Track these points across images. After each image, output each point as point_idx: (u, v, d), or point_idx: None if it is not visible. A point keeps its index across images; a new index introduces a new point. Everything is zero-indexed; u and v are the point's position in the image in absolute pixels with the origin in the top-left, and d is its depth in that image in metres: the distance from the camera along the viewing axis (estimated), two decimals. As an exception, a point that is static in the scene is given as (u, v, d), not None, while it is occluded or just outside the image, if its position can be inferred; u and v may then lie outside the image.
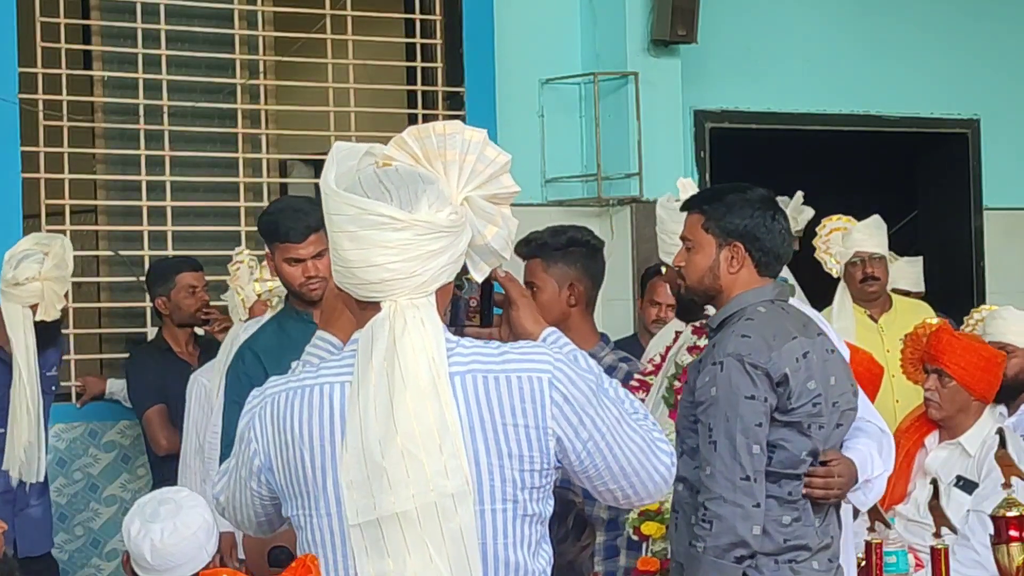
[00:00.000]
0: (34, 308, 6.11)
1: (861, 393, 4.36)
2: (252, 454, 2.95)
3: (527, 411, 2.84)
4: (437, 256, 2.84)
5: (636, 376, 4.61)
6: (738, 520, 3.92)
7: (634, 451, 2.93)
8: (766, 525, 3.96)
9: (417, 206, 2.83)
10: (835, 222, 7.37)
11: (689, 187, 4.93)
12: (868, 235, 7.22)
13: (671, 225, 4.73)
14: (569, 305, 4.96)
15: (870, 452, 4.19)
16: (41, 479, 6.18)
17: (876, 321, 7.16)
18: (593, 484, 2.95)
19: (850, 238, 7.20)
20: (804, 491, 4.02)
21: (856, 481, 4.12)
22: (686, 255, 4.16)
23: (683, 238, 4.21)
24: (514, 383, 2.84)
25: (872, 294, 7.22)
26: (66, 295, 6.27)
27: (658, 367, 4.59)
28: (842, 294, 7.24)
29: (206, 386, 6.43)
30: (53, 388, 6.44)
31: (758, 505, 3.93)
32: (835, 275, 7.33)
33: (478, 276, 3.00)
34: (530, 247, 4.98)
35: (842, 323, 7.04)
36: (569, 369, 2.89)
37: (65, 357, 7.32)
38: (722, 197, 4.18)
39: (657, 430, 2.99)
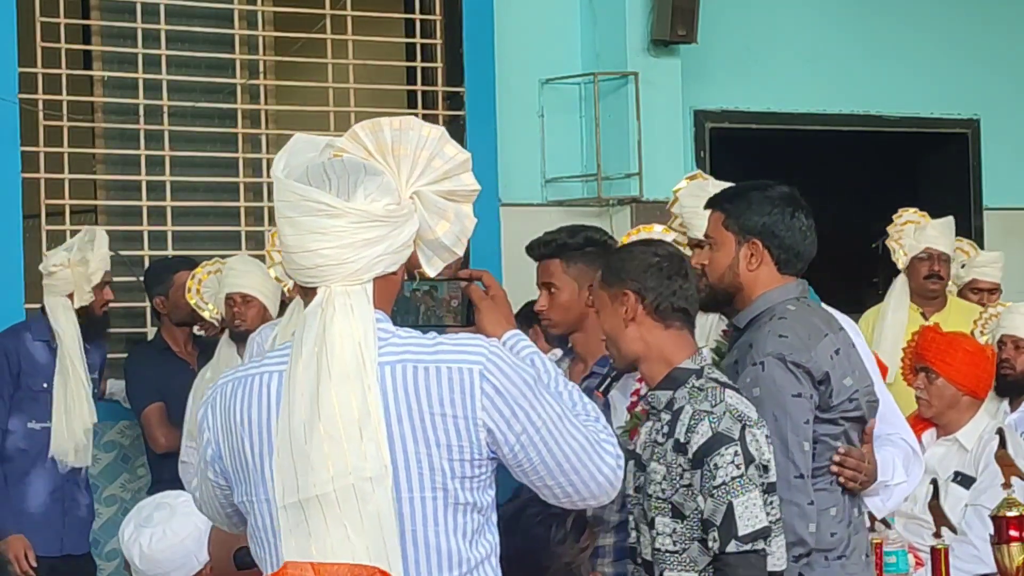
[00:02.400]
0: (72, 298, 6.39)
1: (899, 413, 4.37)
2: (206, 444, 3.04)
3: (455, 401, 2.87)
4: (372, 245, 2.90)
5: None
6: (795, 519, 3.89)
7: (574, 448, 2.95)
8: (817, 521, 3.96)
9: (354, 195, 2.89)
10: (910, 214, 7.34)
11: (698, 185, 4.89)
12: (941, 233, 7.18)
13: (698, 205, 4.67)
14: (588, 306, 4.95)
15: (893, 459, 4.18)
16: (89, 463, 6.43)
17: (927, 319, 7.08)
18: (530, 479, 2.98)
19: (923, 233, 7.15)
20: (834, 469, 4.00)
21: (875, 479, 4.12)
22: (708, 253, 4.14)
23: (705, 236, 4.21)
24: (443, 373, 2.88)
25: (933, 291, 7.20)
26: (101, 287, 6.43)
27: None
28: (901, 288, 7.23)
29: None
30: (94, 391, 6.54)
31: (812, 503, 3.93)
32: (900, 266, 7.32)
33: (430, 271, 3.04)
34: (549, 247, 4.95)
35: (898, 316, 7.05)
36: (503, 362, 2.91)
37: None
38: (743, 195, 4.18)
39: (607, 432, 3.02)
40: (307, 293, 2.95)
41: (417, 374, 2.88)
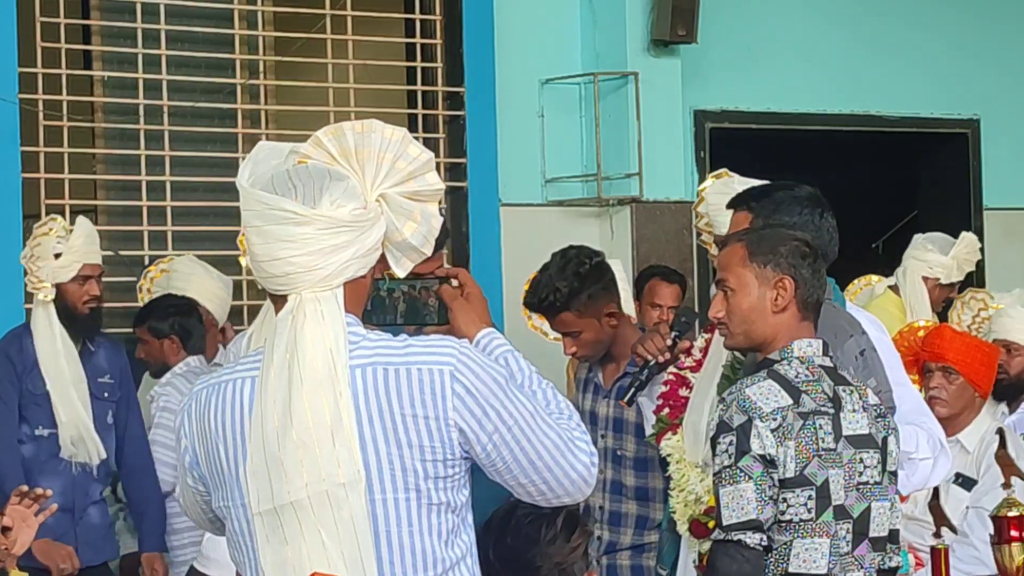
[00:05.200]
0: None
1: (928, 411, 4.35)
2: (183, 451, 3.06)
3: (427, 402, 2.89)
4: (340, 250, 2.91)
5: (672, 371, 4.55)
6: None
7: (547, 446, 2.97)
8: None
9: (320, 202, 2.90)
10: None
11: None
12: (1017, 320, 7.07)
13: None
14: (612, 327, 5.01)
15: (916, 434, 4.14)
16: (98, 460, 6.04)
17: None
18: (503, 478, 2.99)
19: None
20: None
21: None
22: None
23: (729, 237, 4.17)
24: (414, 375, 2.89)
25: (937, 308, 7.31)
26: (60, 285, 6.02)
27: (700, 363, 4.53)
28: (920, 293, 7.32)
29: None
30: (106, 395, 6.18)
31: None
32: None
33: (400, 272, 3.05)
34: (555, 307, 4.99)
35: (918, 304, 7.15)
36: (474, 362, 2.93)
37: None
38: (770, 194, 4.15)
39: (580, 430, 3.03)
40: (277, 300, 2.96)
41: (388, 376, 2.89)
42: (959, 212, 9.47)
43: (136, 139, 7.58)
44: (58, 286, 5.95)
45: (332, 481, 2.84)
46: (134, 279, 7.42)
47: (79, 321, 6.04)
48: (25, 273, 6.09)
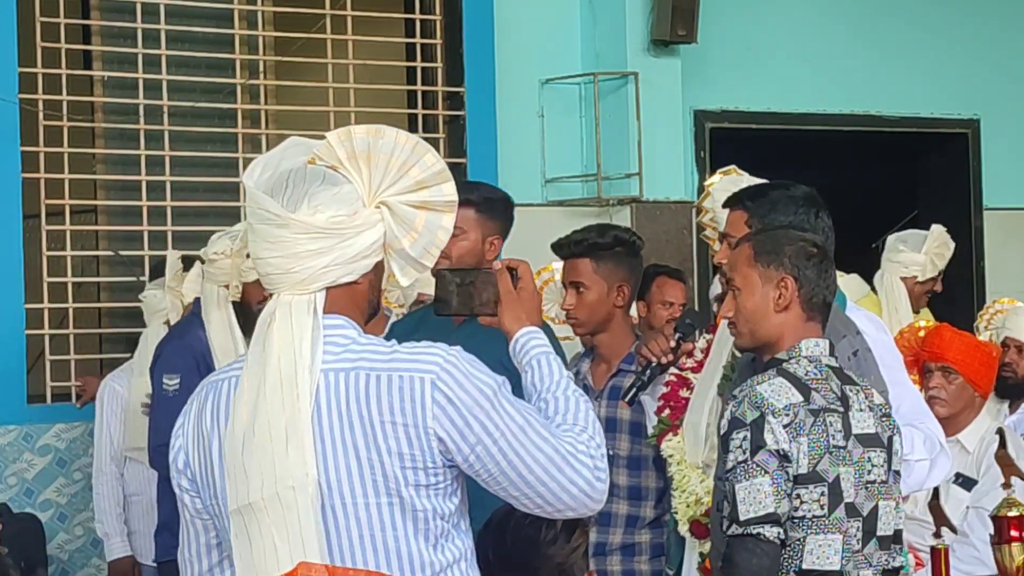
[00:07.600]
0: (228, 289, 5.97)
1: (927, 412, 4.35)
2: (176, 452, 3.05)
3: (406, 410, 2.87)
4: (317, 256, 2.90)
5: (674, 372, 4.54)
6: None
7: (539, 460, 2.91)
8: None
9: (299, 206, 2.90)
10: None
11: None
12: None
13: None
14: (616, 306, 4.95)
15: (912, 436, 4.14)
16: None
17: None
18: (494, 489, 2.96)
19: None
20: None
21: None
22: (729, 252, 4.07)
23: (725, 235, 4.17)
24: (395, 382, 2.87)
25: (922, 302, 7.24)
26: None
27: (700, 363, 4.53)
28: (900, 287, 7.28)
29: (119, 391, 6.51)
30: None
31: None
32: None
33: (404, 280, 3.02)
34: (580, 247, 4.95)
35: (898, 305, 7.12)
36: (459, 372, 2.89)
37: (65, 357, 7.34)
38: (766, 194, 4.16)
39: (588, 444, 2.96)
40: None
41: (369, 382, 2.87)
42: (959, 212, 9.47)
43: (136, 139, 7.57)
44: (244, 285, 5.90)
45: (283, 483, 2.83)
46: (134, 279, 7.42)
47: (250, 319, 5.90)
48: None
